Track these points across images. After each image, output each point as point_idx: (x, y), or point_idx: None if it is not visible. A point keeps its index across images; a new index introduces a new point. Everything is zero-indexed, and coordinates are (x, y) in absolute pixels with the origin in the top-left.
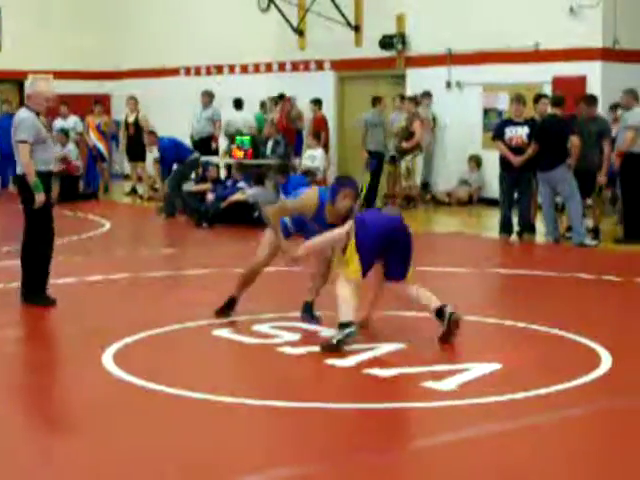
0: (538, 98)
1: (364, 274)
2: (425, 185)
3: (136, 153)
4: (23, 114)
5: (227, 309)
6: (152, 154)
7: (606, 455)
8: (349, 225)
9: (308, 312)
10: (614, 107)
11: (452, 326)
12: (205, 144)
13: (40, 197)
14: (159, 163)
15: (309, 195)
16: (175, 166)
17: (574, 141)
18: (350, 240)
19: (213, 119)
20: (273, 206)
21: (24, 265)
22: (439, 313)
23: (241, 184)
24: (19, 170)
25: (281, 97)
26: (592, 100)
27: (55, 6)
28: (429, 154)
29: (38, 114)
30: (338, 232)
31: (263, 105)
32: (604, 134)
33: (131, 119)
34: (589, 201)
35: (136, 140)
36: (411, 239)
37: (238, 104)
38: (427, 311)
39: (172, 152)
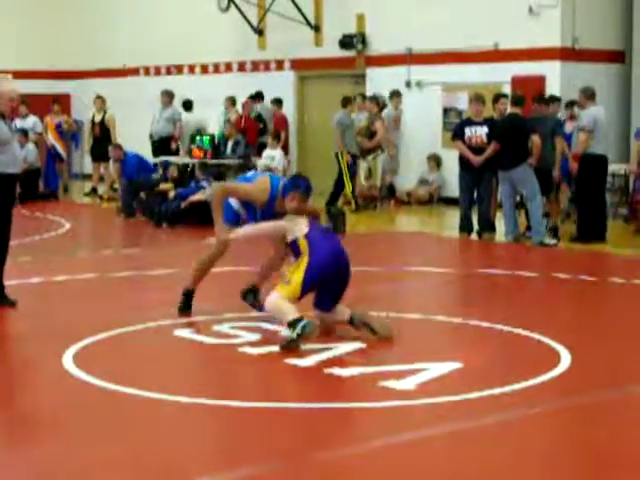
0: (497, 98)
1: (299, 298)
2: (391, 187)
3: (100, 153)
4: None
5: (188, 303)
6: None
7: (560, 453)
8: (293, 223)
9: (249, 296)
10: (570, 104)
11: (363, 324)
12: (165, 144)
13: None
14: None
15: (261, 182)
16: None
17: (535, 140)
18: (303, 257)
19: (173, 119)
20: (220, 184)
21: None
22: (351, 321)
23: (203, 184)
24: None
25: (258, 95)
26: (543, 99)
27: (14, 4)
28: (396, 154)
29: (1, 114)
30: (274, 225)
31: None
32: (555, 132)
33: (98, 118)
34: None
35: (101, 140)
36: (350, 274)
37: (187, 106)
38: (342, 323)
39: (135, 169)
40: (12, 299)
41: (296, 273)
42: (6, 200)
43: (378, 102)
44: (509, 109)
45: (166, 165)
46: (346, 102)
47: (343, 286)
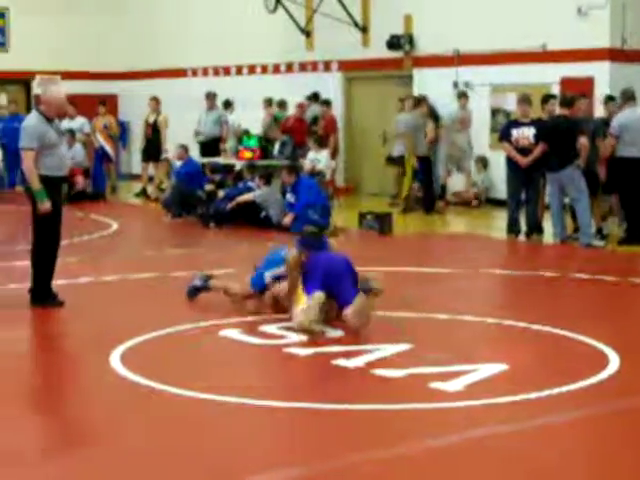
0: (546, 99)
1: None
2: (442, 188)
3: (151, 154)
4: (30, 120)
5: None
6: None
7: (609, 457)
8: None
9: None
10: (609, 99)
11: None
12: (212, 145)
13: (44, 206)
14: (172, 175)
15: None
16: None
17: (583, 142)
18: (298, 284)
19: (220, 120)
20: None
21: (34, 267)
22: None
23: (251, 184)
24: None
25: (315, 97)
26: (565, 101)
27: (63, 6)
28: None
29: (49, 118)
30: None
31: (282, 104)
32: (597, 133)
33: (151, 119)
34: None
35: (153, 141)
36: (352, 266)
37: (227, 105)
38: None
39: (188, 176)
40: (60, 299)
41: (298, 296)
42: (54, 202)
43: (427, 103)
44: (558, 110)
45: (215, 166)
46: (417, 103)
47: (353, 277)
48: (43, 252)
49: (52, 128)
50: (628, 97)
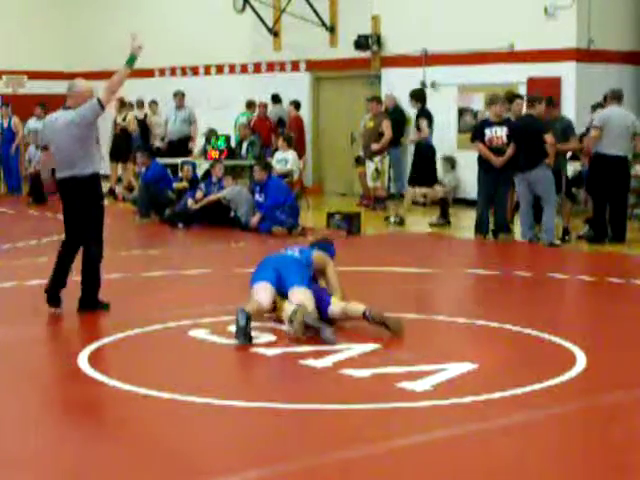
0: (513, 98)
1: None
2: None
3: (120, 153)
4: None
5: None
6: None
7: (576, 455)
8: None
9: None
10: (597, 107)
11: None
12: (182, 145)
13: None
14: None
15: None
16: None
17: (549, 140)
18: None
19: (190, 120)
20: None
21: (94, 271)
22: (365, 316)
23: (221, 183)
24: (77, 172)
25: (275, 98)
26: (552, 101)
27: (29, 5)
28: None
29: None
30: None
31: (250, 105)
32: (567, 132)
33: (119, 119)
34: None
35: (121, 141)
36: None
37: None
38: (356, 318)
39: (154, 180)
40: (106, 301)
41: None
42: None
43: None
44: (525, 110)
45: (194, 166)
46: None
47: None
48: (100, 252)
49: None
50: (615, 97)
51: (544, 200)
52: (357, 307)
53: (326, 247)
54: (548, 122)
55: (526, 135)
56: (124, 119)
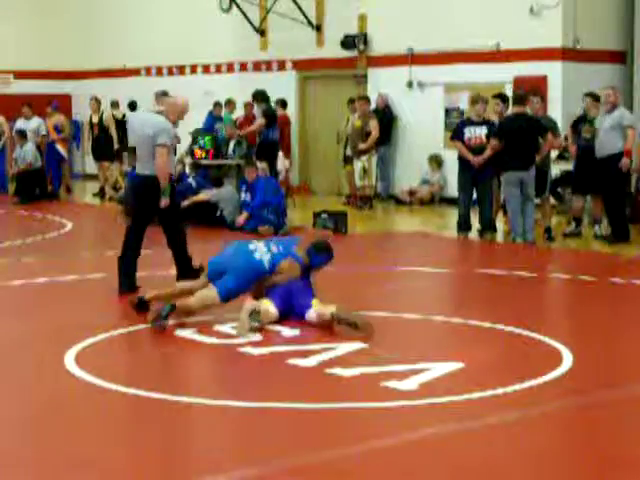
0: (506, 98)
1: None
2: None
3: (102, 153)
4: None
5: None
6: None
7: (562, 453)
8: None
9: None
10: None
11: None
12: None
13: (166, 200)
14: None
15: (293, 267)
16: None
17: (549, 138)
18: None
19: None
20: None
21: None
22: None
23: (192, 182)
24: (149, 172)
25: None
26: (519, 98)
27: (14, 4)
28: None
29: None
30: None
31: (228, 104)
32: (555, 131)
33: (95, 119)
34: (537, 200)
35: (101, 140)
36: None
37: (132, 107)
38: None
39: None
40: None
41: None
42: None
43: (370, 102)
44: (513, 108)
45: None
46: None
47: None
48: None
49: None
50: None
51: (531, 199)
52: (326, 310)
53: (314, 254)
54: (541, 119)
55: (520, 134)
56: (100, 119)
